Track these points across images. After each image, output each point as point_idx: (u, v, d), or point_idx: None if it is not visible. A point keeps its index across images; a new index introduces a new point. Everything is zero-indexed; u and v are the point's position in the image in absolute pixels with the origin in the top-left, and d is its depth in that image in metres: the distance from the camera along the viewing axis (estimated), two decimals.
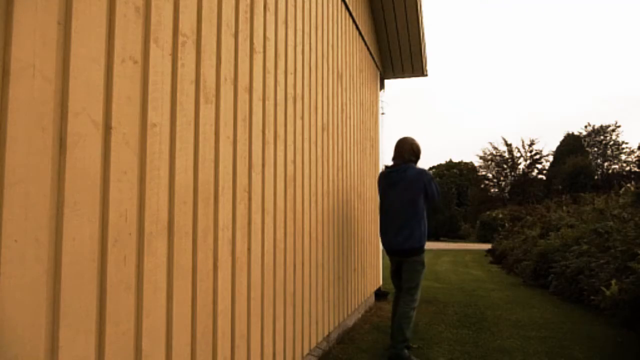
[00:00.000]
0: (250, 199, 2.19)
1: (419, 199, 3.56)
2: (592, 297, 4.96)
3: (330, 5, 3.78)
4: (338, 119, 3.96)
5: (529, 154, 32.96)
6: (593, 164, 32.99)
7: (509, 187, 33.24)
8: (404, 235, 3.55)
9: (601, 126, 36.33)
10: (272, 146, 2.47)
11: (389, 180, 3.72)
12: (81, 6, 1.20)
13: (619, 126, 36.26)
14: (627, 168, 33.53)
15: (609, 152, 35.73)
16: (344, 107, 4.21)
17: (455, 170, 38.28)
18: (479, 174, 35.54)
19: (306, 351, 3.00)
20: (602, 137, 36.13)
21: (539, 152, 32.78)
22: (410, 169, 3.63)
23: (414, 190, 3.55)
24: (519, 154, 33.38)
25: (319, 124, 3.38)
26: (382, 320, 4.89)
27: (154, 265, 1.47)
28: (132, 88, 1.39)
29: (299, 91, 2.93)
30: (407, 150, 3.74)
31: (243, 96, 2.14)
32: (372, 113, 5.73)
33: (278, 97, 2.57)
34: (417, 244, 3.55)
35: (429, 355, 3.65)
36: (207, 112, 1.81)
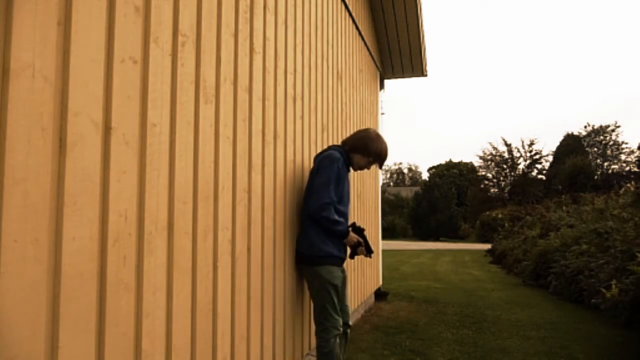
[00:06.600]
0: (250, 199, 2.19)
1: None
2: (593, 300, 4.96)
3: (330, 5, 3.78)
4: (338, 119, 3.96)
5: (528, 154, 32.98)
6: (593, 164, 33.00)
7: (508, 187, 33.23)
8: (301, 235, 2.74)
9: (601, 126, 36.40)
10: (271, 146, 2.47)
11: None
12: (81, 6, 1.20)
13: (618, 126, 36.38)
14: (627, 168, 33.55)
15: (608, 152, 35.78)
16: (344, 107, 4.21)
17: (455, 171, 38.33)
18: (479, 174, 35.56)
19: (306, 351, 3.00)
20: (601, 137, 36.19)
21: (538, 152, 32.80)
22: (322, 153, 2.79)
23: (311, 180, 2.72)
24: (518, 154, 33.40)
25: (319, 124, 3.38)
26: (381, 320, 4.89)
27: (153, 266, 1.47)
28: (131, 88, 1.39)
29: (298, 91, 2.92)
30: (355, 137, 2.86)
31: (243, 96, 2.14)
32: (372, 113, 5.73)
33: (278, 97, 2.57)
34: (307, 249, 2.65)
35: (429, 355, 3.65)
36: (207, 112, 1.81)
